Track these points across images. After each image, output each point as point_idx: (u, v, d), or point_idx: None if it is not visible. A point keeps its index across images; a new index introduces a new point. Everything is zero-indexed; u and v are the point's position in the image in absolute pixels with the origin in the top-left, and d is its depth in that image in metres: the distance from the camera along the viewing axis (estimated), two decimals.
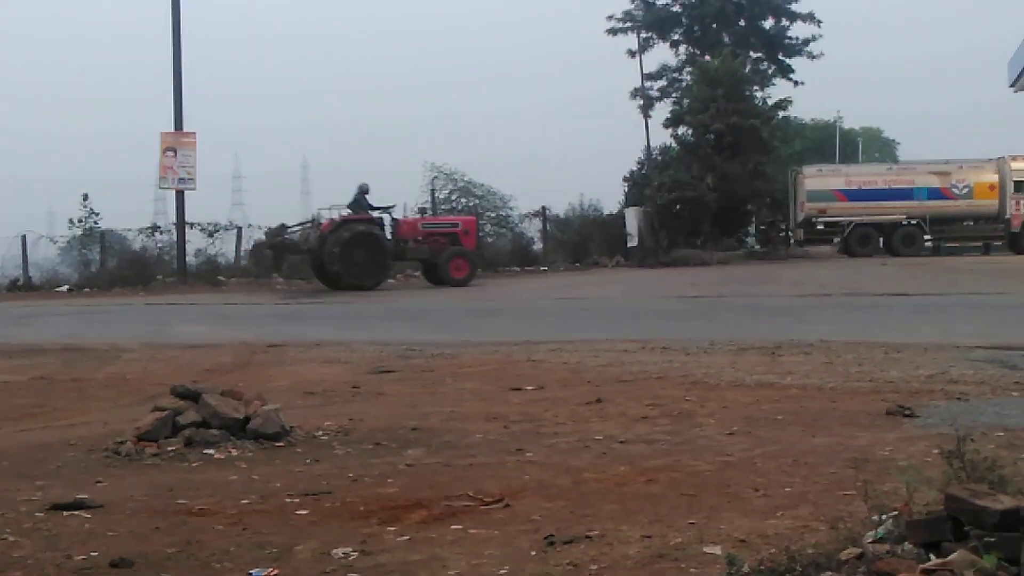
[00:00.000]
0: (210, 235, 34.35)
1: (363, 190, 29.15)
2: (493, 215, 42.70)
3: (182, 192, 32.92)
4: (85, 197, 33.77)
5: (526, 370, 10.77)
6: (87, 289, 30.12)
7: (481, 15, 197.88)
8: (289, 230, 29.84)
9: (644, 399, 8.56)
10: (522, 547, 4.61)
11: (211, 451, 6.88)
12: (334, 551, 4.64)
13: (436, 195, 30.72)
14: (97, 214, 33.81)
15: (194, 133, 33.13)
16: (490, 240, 41.46)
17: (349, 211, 28.59)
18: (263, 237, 31.35)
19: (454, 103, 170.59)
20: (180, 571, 4.50)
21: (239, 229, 36.34)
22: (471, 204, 42.05)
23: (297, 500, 5.60)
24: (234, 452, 6.88)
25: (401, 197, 42.15)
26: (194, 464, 6.63)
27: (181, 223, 32.96)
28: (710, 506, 5.17)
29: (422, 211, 31.41)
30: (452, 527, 5.01)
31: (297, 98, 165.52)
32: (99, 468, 6.58)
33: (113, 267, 32.92)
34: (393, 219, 29.64)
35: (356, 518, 5.23)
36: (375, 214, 29.10)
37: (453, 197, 42.55)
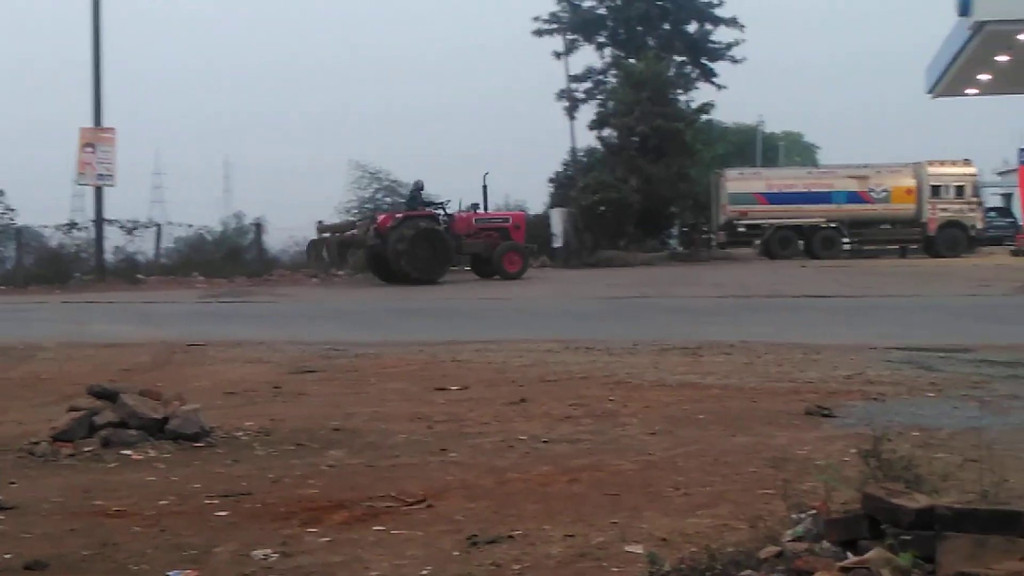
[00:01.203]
0: (129, 232, 33.86)
1: (419, 187, 30.50)
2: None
3: (101, 189, 32.40)
4: (0, 193, 33.16)
5: (450, 370, 10.74)
6: (2, 287, 29.45)
7: (408, 11, 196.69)
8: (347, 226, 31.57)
9: (568, 399, 8.59)
10: (445, 547, 4.60)
11: (129, 452, 6.76)
12: (254, 552, 4.59)
13: (487, 191, 31.31)
14: (13, 210, 33.33)
15: (113, 129, 32.63)
16: None
17: (406, 207, 29.84)
18: (319, 234, 31.97)
19: (379, 100, 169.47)
20: (96, 573, 4.42)
21: (158, 227, 35.89)
22: (396, 203, 41.89)
23: (216, 501, 5.53)
24: (152, 453, 6.76)
25: (335, 195, 41.96)
26: (111, 465, 6.51)
27: (99, 220, 32.45)
28: (632, 505, 5.20)
29: (474, 207, 31.71)
30: (374, 528, 4.98)
31: (220, 94, 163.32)
32: (13, 469, 6.43)
33: (29, 264, 32.28)
34: (447, 215, 30.22)
35: (276, 519, 5.17)
36: (431, 210, 29.89)
37: (378, 196, 42.37)
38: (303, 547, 4.69)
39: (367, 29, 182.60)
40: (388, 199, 42.26)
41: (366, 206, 42.18)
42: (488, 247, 30.19)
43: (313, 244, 32.00)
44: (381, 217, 30.13)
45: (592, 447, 6.71)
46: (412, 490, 5.64)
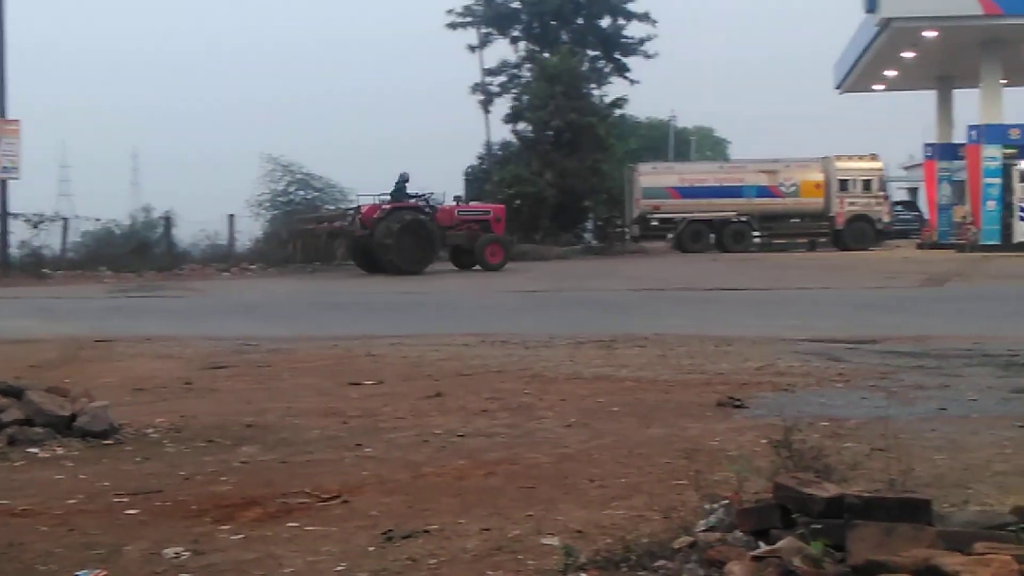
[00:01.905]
0: (35, 226, 33.15)
1: (404, 179, 30.63)
2: (332, 208, 42.22)
3: (5, 182, 31.76)
4: None
5: (365, 365, 10.68)
6: None
7: (320, 1, 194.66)
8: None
9: (484, 393, 8.59)
10: (360, 543, 4.56)
11: (35, 450, 6.60)
12: (165, 551, 4.51)
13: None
14: None
15: (18, 121, 31.98)
16: None
17: (391, 199, 30.01)
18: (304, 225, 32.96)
19: (292, 91, 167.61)
20: (2, 574, 4.30)
21: (65, 220, 35.22)
22: (310, 196, 41.52)
23: (126, 499, 5.42)
24: (60, 451, 6.61)
25: (246, 188, 41.51)
26: (17, 463, 6.35)
27: (3, 214, 31.79)
28: (548, 498, 5.21)
29: (456, 199, 32.85)
30: (288, 525, 4.92)
31: (128, 83, 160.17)
32: None
33: None
34: (431, 207, 30.61)
35: (188, 517, 5.09)
36: (415, 202, 30.35)
37: (291, 189, 41.95)
38: (215, 545, 4.62)
39: (279, 18, 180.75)
40: (301, 192, 41.85)
41: (278, 199, 41.72)
42: (470, 239, 30.72)
43: (299, 235, 32.55)
44: (365, 208, 30.28)
45: (508, 440, 6.72)
46: (327, 486, 5.59)
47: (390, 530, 4.68)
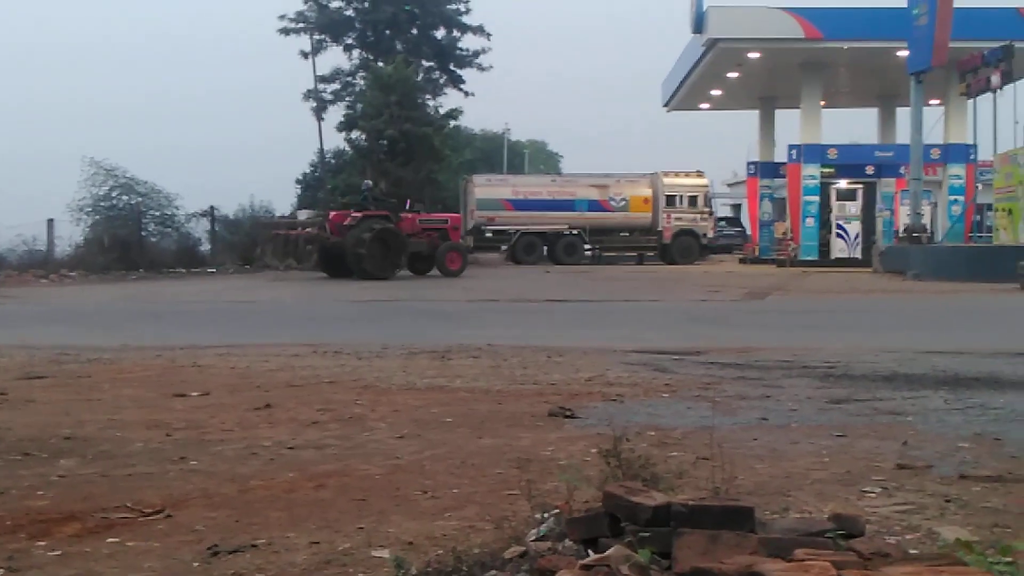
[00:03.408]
0: None
1: (369, 187, 33.05)
2: (157, 214, 41.13)
3: None
4: None
5: (191, 375, 10.40)
6: None
7: (148, 2, 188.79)
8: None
9: (315, 404, 8.46)
10: (184, 558, 4.43)
11: None
12: None
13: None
14: None
15: None
16: (153, 240, 40.05)
17: (361, 208, 31.45)
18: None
19: (116, 94, 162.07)
20: None
21: None
22: (133, 201, 40.34)
23: None
24: None
25: (67, 192, 40.10)
26: None
27: None
28: (379, 510, 5.16)
29: (417, 208, 33.84)
30: (109, 540, 4.74)
31: None
32: None
33: None
34: (395, 215, 31.73)
35: (2, 533, 4.85)
36: (385, 210, 31.76)
37: (114, 194, 40.69)
38: (31, 561, 4.41)
39: (105, 19, 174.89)
40: (125, 197, 40.61)
41: (100, 204, 40.40)
42: (431, 246, 32.35)
43: (273, 240, 32.99)
44: (332, 215, 31.77)
45: (339, 452, 6.63)
46: (149, 500, 5.41)
47: (216, 545, 4.56)
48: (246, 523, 4.97)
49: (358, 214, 30.98)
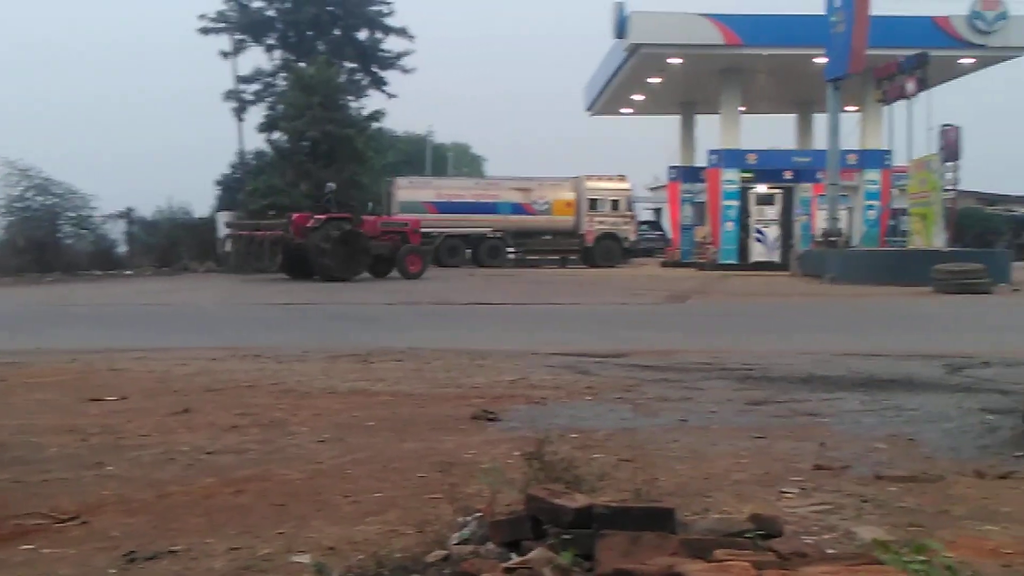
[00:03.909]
0: None
1: (331, 190, 33.59)
2: (73, 215, 40.36)
3: None
4: None
5: (107, 379, 10.21)
6: None
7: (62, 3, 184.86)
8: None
9: (234, 408, 8.35)
10: (100, 565, 4.34)
11: None
12: None
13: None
14: None
15: None
16: (69, 242, 39.32)
17: (320, 210, 32.09)
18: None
19: (28, 98, 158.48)
20: None
21: None
22: (49, 202, 39.56)
23: None
24: None
25: None
26: None
27: None
28: (300, 515, 5.11)
29: (378, 211, 34.78)
30: (22, 548, 4.63)
31: None
32: None
33: None
34: (357, 218, 32.32)
35: None
36: (348, 213, 32.43)
37: (28, 195, 39.86)
38: None
39: (19, 18, 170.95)
40: (40, 198, 39.80)
41: (15, 205, 39.54)
42: (392, 249, 32.91)
43: (236, 240, 33.59)
44: (295, 217, 32.17)
45: (259, 457, 6.55)
46: (65, 506, 5.30)
47: (132, 551, 4.48)
48: (163, 529, 4.89)
49: (322, 216, 31.44)
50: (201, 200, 47.78)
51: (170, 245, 40.84)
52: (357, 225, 31.82)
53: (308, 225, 31.34)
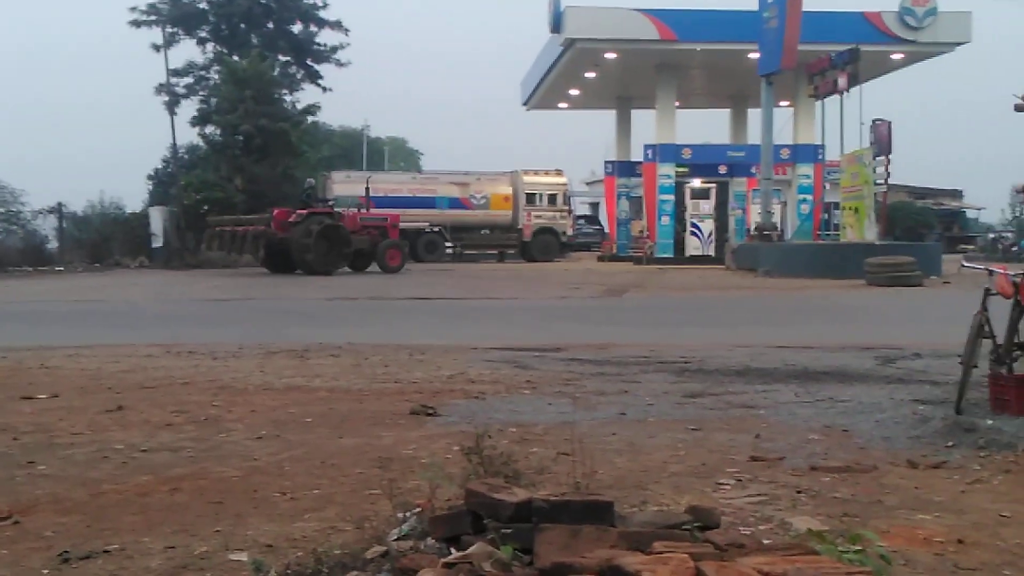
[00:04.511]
0: None
1: (311, 186, 34.68)
2: (1, 211, 39.65)
3: None
4: None
5: (39, 377, 10.05)
6: None
7: None
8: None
9: (169, 406, 8.27)
10: (33, 566, 4.27)
11: None
12: None
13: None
14: None
15: None
16: None
17: (302, 206, 32.52)
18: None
19: None
20: None
21: None
22: None
23: None
24: None
25: None
26: None
27: None
28: (237, 513, 5.07)
29: (359, 207, 34.85)
30: None
31: None
32: None
33: None
34: (337, 213, 33.14)
35: None
36: (329, 208, 33.31)
37: None
38: None
39: None
40: None
41: None
42: (372, 243, 33.44)
43: (216, 236, 33.30)
44: (277, 212, 32.46)
45: (195, 455, 6.49)
46: None
47: (66, 551, 4.42)
48: (98, 528, 4.83)
49: (303, 211, 31.96)
50: (134, 196, 47.12)
51: (102, 241, 40.24)
52: (339, 220, 32.44)
53: (290, 220, 31.80)
